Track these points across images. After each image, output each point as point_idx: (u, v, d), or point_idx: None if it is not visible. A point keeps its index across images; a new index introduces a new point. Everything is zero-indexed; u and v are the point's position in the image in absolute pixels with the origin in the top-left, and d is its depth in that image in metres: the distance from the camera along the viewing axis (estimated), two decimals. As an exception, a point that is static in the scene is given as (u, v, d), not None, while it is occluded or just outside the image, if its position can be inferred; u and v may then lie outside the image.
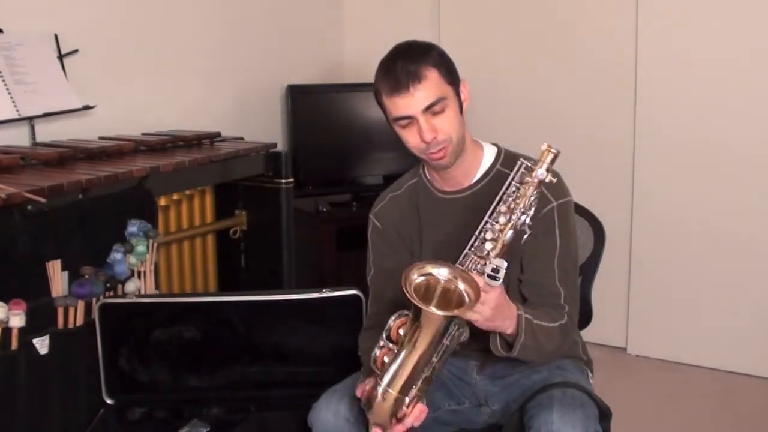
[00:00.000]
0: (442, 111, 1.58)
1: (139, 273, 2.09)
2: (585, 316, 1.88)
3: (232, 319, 2.01)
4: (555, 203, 1.62)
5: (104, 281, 1.98)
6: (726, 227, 3.00)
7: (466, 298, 1.43)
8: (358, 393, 1.54)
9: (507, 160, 1.69)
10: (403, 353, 1.44)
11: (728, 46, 2.90)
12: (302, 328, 2.01)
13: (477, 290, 1.42)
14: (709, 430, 2.66)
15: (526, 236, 1.51)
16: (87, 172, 2.01)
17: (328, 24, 3.68)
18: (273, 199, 2.64)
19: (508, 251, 1.49)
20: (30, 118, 2.27)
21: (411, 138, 1.61)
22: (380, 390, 1.44)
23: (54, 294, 1.90)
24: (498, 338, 1.56)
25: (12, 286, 1.80)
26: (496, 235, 1.48)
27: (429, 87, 1.57)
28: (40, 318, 1.85)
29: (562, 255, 1.64)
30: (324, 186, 3.33)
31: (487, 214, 1.52)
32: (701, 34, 2.94)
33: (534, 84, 3.31)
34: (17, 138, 2.28)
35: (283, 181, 2.63)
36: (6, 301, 1.77)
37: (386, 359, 1.47)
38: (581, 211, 1.92)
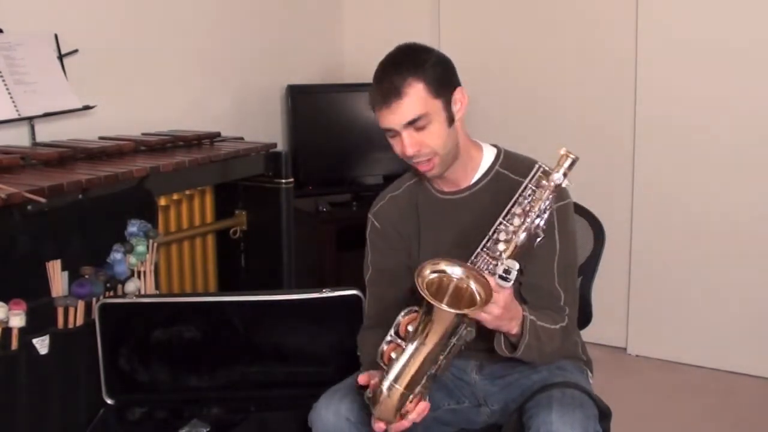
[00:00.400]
0: (424, 127, 1.59)
1: (139, 273, 2.09)
2: (585, 316, 1.88)
3: (232, 319, 2.01)
4: (554, 206, 1.61)
5: (104, 281, 1.98)
6: (726, 227, 3.00)
7: (477, 298, 1.44)
8: (362, 381, 1.53)
9: (506, 160, 1.70)
10: (411, 349, 1.45)
11: (729, 38, 2.89)
12: (302, 328, 2.01)
13: (489, 291, 1.43)
14: (709, 430, 2.66)
15: (539, 240, 1.52)
16: (87, 172, 2.01)
17: (328, 24, 3.68)
18: (273, 199, 2.64)
19: (520, 253, 1.50)
20: (30, 118, 2.27)
21: (397, 148, 1.63)
22: (386, 385, 1.45)
23: (54, 294, 1.90)
24: (503, 338, 1.56)
25: (12, 286, 1.80)
26: (510, 236, 1.49)
27: (410, 104, 1.57)
28: (40, 318, 1.85)
29: (561, 257, 1.64)
30: (324, 186, 3.33)
31: (502, 215, 1.52)
32: (702, 31, 2.94)
33: (534, 83, 3.31)
34: (17, 138, 2.28)
35: (283, 181, 2.63)
36: (6, 301, 1.77)
37: (393, 355, 1.47)
38: (581, 211, 1.92)
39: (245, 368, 2.03)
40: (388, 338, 1.50)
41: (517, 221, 1.49)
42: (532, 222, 1.49)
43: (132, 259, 2.05)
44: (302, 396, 1.90)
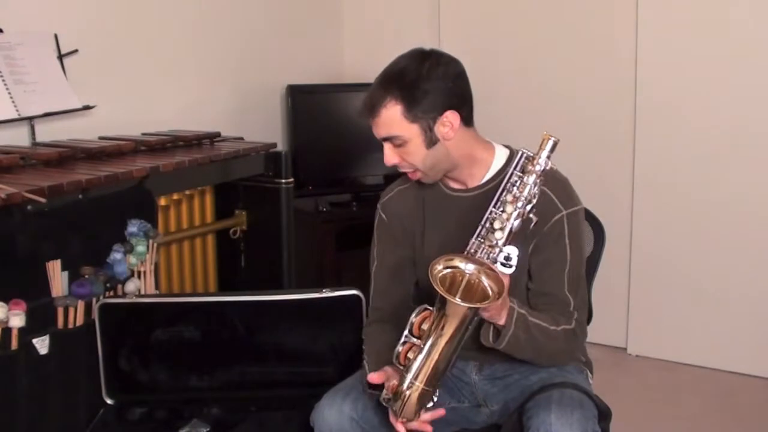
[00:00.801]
0: (401, 145, 1.61)
1: (139, 273, 2.09)
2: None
3: (232, 319, 2.01)
4: (565, 212, 1.61)
5: (104, 281, 1.98)
6: (727, 228, 3.00)
7: (490, 292, 1.46)
8: (374, 380, 1.54)
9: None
10: (428, 345, 1.47)
11: (729, 32, 2.89)
12: (302, 328, 2.01)
13: (501, 285, 1.45)
14: (709, 430, 2.66)
15: (533, 224, 1.54)
16: (87, 172, 2.02)
17: (328, 24, 3.68)
18: (273, 199, 2.64)
19: (515, 239, 1.51)
20: (30, 118, 2.27)
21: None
22: (406, 384, 1.47)
23: (54, 294, 1.90)
24: (491, 328, 1.56)
25: (12, 286, 1.80)
26: (504, 223, 1.51)
27: (382, 124, 1.60)
28: (40, 318, 1.85)
29: (572, 265, 1.64)
30: (324, 186, 3.33)
31: (492, 203, 1.54)
32: (701, 26, 2.94)
33: (534, 82, 3.31)
34: (17, 138, 2.28)
35: (283, 181, 2.63)
36: (6, 301, 1.77)
37: (410, 355, 1.49)
38: (581, 211, 1.92)
39: (245, 368, 2.03)
40: (403, 339, 1.51)
41: (509, 208, 1.51)
42: (524, 207, 1.51)
43: (132, 259, 2.05)
44: (302, 396, 1.91)
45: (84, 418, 1.96)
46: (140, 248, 2.06)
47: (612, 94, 3.16)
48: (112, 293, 2.01)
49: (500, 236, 1.50)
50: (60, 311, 1.90)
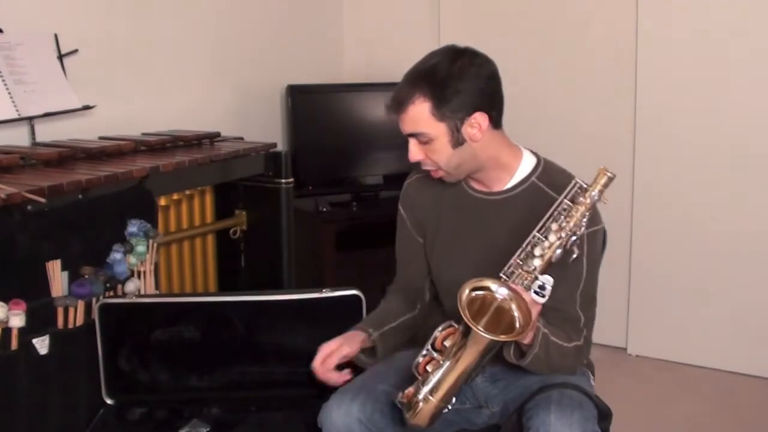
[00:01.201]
0: (427, 142, 1.60)
1: (139, 273, 2.09)
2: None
3: (232, 319, 2.01)
4: (586, 231, 1.59)
5: (104, 281, 1.98)
6: (726, 227, 3.00)
7: (517, 325, 1.46)
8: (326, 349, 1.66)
9: (544, 172, 1.68)
10: (448, 364, 1.48)
11: (729, 37, 2.89)
12: (302, 328, 2.01)
13: (528, 320, 1.45)
14: (709, 430, 2.66)
15: (574, 256, 1.53)
16: (87, 172, 2.01)
17: (328, 24, 3.68)
18: (273, 199, 2.64)
19: (552, 268, 1.51)
20: (30, 118, 2.27)
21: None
22: (422, 395, 1.49)
23: (54, 294, 1.89)
24: (512, 345, 1.56)
25: (12, 286, 1.79)
26: (545, 251, 1.50)
27: (409, 120, 1.59)
28: (40, 318, 1.85)
29: (586, 284, 1.64)
30: (324, 186, 3.33)
31: (536, 228, 1.53)
32: (701, 31, 2.94)
33: (534, 83, 3.31)
34: (17, 138, 2.28)
35: (283, 181, 2.63)
36: (6, 301, 1.76)
37: (429, 368, 1.51)
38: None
39: (245, 368, 2.03)
40: (424, 351, 1.52)
41: (552, 237, 1.50)
42: (567, 238, 1.49)
43: (132, 259, 2.05)
44: (302, 396, 1.91)
45: (84, 418, 1.95)
46: (140, 248, 2.06)
47: (612, 94, 3.17)
48: (112, 293, 2.01)
49: (538, 264, 1.50)
50: (60, 311, 1.90)
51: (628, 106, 3.12)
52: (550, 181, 1.65)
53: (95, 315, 1.95)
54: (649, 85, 3.06)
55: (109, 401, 2.00)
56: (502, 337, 1.44)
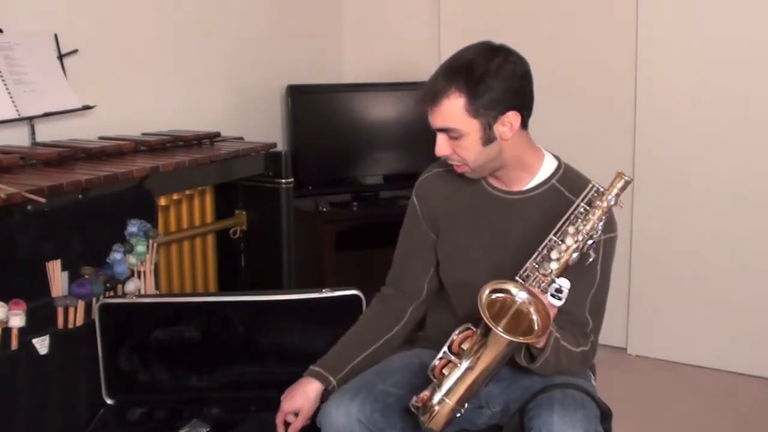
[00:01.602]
0: (457, 138, 1.58)
1: (139, 273, 2.09)
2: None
3: (232, 319, 2.01)
4: (603, 237, 1.59)
5: (104, 281, 1.97)
6: (726, 227, 3.00)
7: (535, 327, 1.46)
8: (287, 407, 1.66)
9: (564, 176, 1.68)
10: (465, 367, 1.48)
11: (730, 35, 2.89)
12: (302, 328, 2.01)
13: (546, 323, 1.45)
14: (709, 430, 2.66)
15: (590, 260, 1.53)
16: (87, 172, 2.01)
17: (328, 24, 3.68)
18: (273, 199, 2.64)
19: (568, 271, 1.51)
20: (30, 118, 2.27)
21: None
22: (437, 398, 1.48)
23: (54, 294, 1.89)
24: (523, 348, 1.56)
25: (12, 286, 1.79)
26: (561, 255, 1.50)
27: (442, 114, 1.56)
28: (40, 318, 1.85)
29: (598, 289, 1.64)
30: (324, 186, 3.33)
31: (553, 232, 1.52)
32: (702, 28, 2.94)
33: (534, 82, 3.30)
34: (17, 138, 2.28)
35: (283, 181, 2.63)
36: (6, 301, 1.76)
37: (446, 371, 1.50)
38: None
39: (245, 368, 2.03)
40: (441, 354, 1.52)
41: (569, 240, 1.50)
42: (584, 242, 1.50)
43: (132, 259, 2.05)
44: (302, 396, 1.90)
45: (84, 418, 1.95)
46: (140, 248, 2.06)
47: (612, 92, 3.17)
48: (112, 293, 2.01)
49: (555, 267, 1.50)
50: (60, 311, 1.90)
51: (628, 106, 3.12)
52: (570, 185, 1.65)
53: (95, 315, 1.95)
54: (649, 85, 3.06)
55: (109, 401, 2.00)
56: (522, 339, 1.44)
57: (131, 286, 2.05)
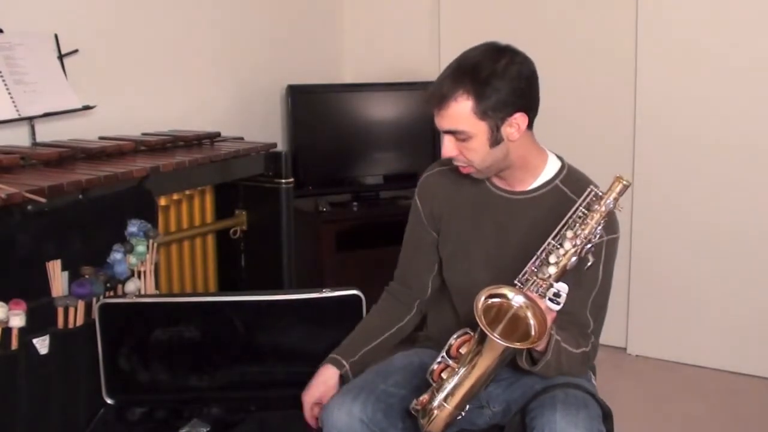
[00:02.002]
0: (464, 140, 1.58)
1: (139, 273, 2.09)
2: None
3: (232, 319, 2.01)
4: (605, 238, 1.59)
5: (104, 281, 1.98)
6: (726, 227, 3.00)
7: (532, 332, 1.47)
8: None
9: (568, 177, 1.68)
10: (463, 371, 1.49)
11: (729, 40, 2.89)
12: (302, 328, 2.01)
13: (543, 329, 1.45)
14: (709, 430, 2.66)
15: (589, 264, 1.53)
16: (87, 172, 2.01)
17: (328, 24, 3.68)
18: (273, 199, 2.64)
19: (566, 275, 1.51)
20: (30, 118, 2.27)
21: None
22: (436, 402, 1.49)
23: (54, 294, 1.89)
24: (525, 352, 1.56)
25: (12, 286, 1.79)
26: (560, 259, 1.50)
27: (450, 116, 1.56)
28: (40, 318, 1.85)
29: (599, 290, 1.64)
30: (324, 186, 3.33)
31: (551, 236, 1.53)
32: (701, 33, 2.94)
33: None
34: (17, 138, 2.28)
35: (283, 181, 2.63)
36: (6, 301, 1.76)
37: (444, 375, 1.51)
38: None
39: (245, 368, 2.03)
40: (439, 359, 1.53)
41: (568, 245, 1.50)
42: (582, 246, 1.50)
43: (132, 259, 2.05)
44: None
45: (84, 418, 1.95)
46: (140, 248, 2.06)
47: (612, 95, 3.17)
48: (112, 293, 2.01)
49: (553, 271, 1.50)
50: (60, 311, 1.90)
51: (628, 106, 3.12)
52: (573, 185, 1.65)
53: (95, 315, 1.95)
54: (649, 85, 3.06)
55: (109, 401, 2.00)
56: (518, 345, 1.44)
57: (131, 286, 2.05)
